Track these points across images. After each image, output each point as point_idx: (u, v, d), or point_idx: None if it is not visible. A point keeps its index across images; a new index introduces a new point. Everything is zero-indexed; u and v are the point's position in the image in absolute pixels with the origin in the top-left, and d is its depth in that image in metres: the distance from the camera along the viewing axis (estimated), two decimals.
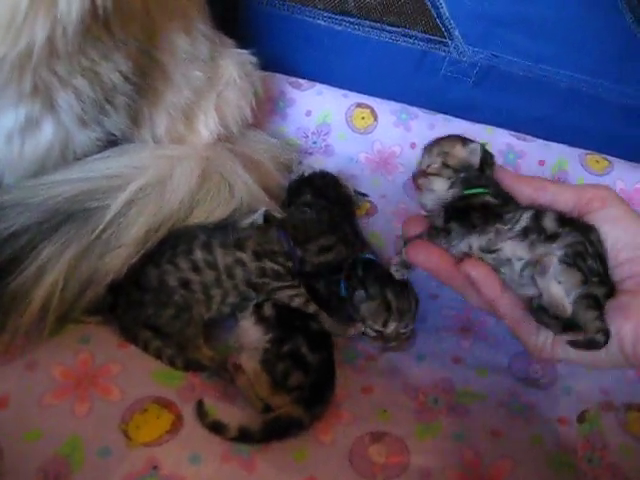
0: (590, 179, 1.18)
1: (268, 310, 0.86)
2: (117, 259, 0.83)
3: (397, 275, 0.76)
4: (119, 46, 0.79)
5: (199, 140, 0.97)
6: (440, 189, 0.69)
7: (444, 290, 0.98)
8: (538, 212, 0.63)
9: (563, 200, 0.62)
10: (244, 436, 0.74)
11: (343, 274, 0.90)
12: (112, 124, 0.86)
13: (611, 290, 0.61)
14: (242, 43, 1.03)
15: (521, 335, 0.65)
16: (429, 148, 0.72)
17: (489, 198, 0.66)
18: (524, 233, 0.62)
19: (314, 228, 0.92)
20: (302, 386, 0.79)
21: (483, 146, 0.70)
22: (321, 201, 1.01)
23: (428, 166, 0.70)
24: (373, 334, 0.88)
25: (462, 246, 0.65)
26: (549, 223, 0.62)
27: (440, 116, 1.22)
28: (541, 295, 0.60)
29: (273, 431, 0.75)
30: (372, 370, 0.90)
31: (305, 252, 0.90)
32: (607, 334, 0.58)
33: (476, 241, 0.64)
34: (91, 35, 0.74)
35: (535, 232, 0.61)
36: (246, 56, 1.02)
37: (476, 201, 0.67)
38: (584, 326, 0.59)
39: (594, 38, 1.15)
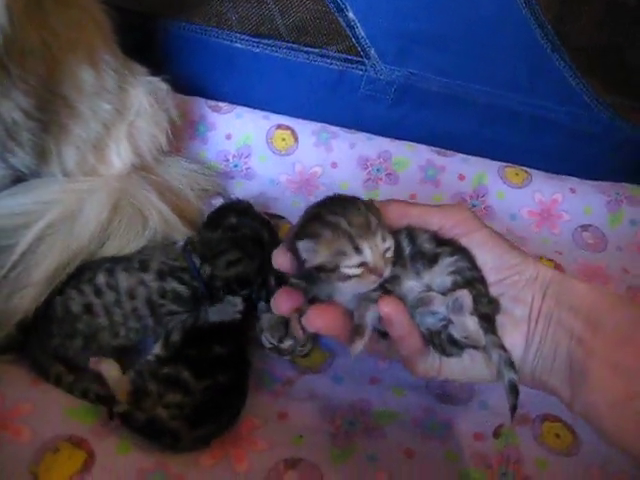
0: (510, 192, 1.21)
1: (175, 335, 0.86)
2: (26, 298, 0.82)
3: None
4: (18, 84, 0.78)
5: (112, 171, 0.96)
6: None
7: None
8: (411, 235, 0.62)
9: (427, 225, 0.63)
10: (128, 417, 0.77)
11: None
12: (18, 161, 0.85)
13: (497, 306, 0.62)
14: (159, 68, 1.03)
15: (411, 363, 0.65)
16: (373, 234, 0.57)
17: None
18: (411, 261, 0.61)
19: (219, 245, 0.92)
20: (181, 405, 0.79)
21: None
22: (247, 221, 1.00)
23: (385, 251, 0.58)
24: (269, 345, 0.89)
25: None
26: (426, 244, 0.61)
27: (361, 134, 1.23)
28: (446, 327, 0.61)
29: (151, 430, 0.77)
30: (289, 395, 0.90)
31: (214, 268, 0.90)
32: (511, 363, 0.60)
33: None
34: None
35: (418, 258, 0.61)
36: (158, 83, 1.01)
37: None
38: (487, 350, 0.61)
39: (506, 53, 1.17)
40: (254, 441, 0.82)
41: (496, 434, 0.88)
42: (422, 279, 0.61)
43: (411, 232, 0.62)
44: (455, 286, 0.60)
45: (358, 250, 0.56)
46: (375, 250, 0.56)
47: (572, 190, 1.20)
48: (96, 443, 0.76)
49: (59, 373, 0.82)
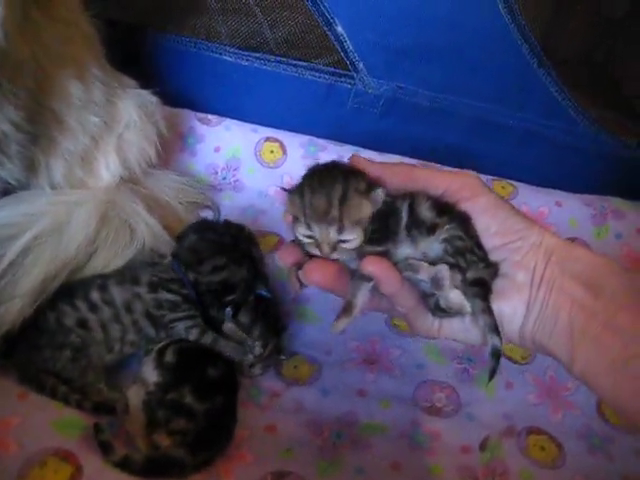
0: None
1: (169, 356, 0.86)
2: (12, 310, 0.82)
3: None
4: (9, 97, 0.79)
5: (100, 184, 0.96)
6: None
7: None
8: (412, 204, 0.62)
9: (433, 187, 0.63)
10: (125, 463, 0.75)
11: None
12: (7, 173, 0.85)
13: (496, 270, 0.62)
14: (149, 81, 1.04)
15: (412, 320, 0.66)
16: (336, 213, 0.57)
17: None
18: (407, 230, 0.61)
19: (206, 250, 0.94)
20: (185, 431, 0.79)
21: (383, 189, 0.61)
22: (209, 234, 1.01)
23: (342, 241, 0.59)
24: None
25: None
26: (426, 212, 0.61)
27: (348, 147, 1.24)
28: (433, 295, 0.60)
29: (153, 467, 0.76)
30: (276, 408, 0.90)
31: (199, 274, 0.91)
32: (495, 329, 0.60)
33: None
34: None
35: (415, 227, 0.61)
36: (147, 96, 1.02)
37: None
38: (474, 315, 0.61)
39: (493, 68, 1.18)
40: (242, 454, 0.82)
41: (482, 447, 0.89)
42: (417, 248, 0.61)
43: (413, 200, 0.62)
44: (445, 254, 0.60)
45: (308, 226, 0.58)
46: (325, 234, 0.58)
47: (558, 203, 1.21)
48: (83, 457, 0.75)
49: (54, 384, 0.82)
